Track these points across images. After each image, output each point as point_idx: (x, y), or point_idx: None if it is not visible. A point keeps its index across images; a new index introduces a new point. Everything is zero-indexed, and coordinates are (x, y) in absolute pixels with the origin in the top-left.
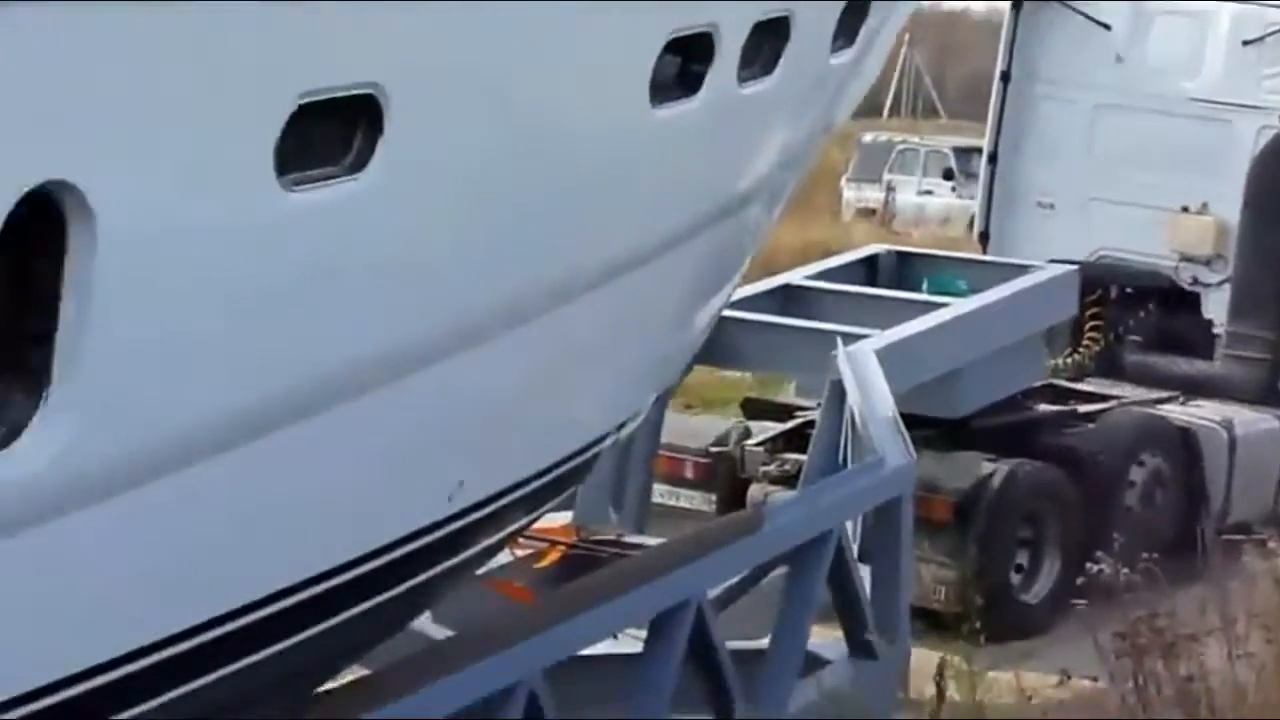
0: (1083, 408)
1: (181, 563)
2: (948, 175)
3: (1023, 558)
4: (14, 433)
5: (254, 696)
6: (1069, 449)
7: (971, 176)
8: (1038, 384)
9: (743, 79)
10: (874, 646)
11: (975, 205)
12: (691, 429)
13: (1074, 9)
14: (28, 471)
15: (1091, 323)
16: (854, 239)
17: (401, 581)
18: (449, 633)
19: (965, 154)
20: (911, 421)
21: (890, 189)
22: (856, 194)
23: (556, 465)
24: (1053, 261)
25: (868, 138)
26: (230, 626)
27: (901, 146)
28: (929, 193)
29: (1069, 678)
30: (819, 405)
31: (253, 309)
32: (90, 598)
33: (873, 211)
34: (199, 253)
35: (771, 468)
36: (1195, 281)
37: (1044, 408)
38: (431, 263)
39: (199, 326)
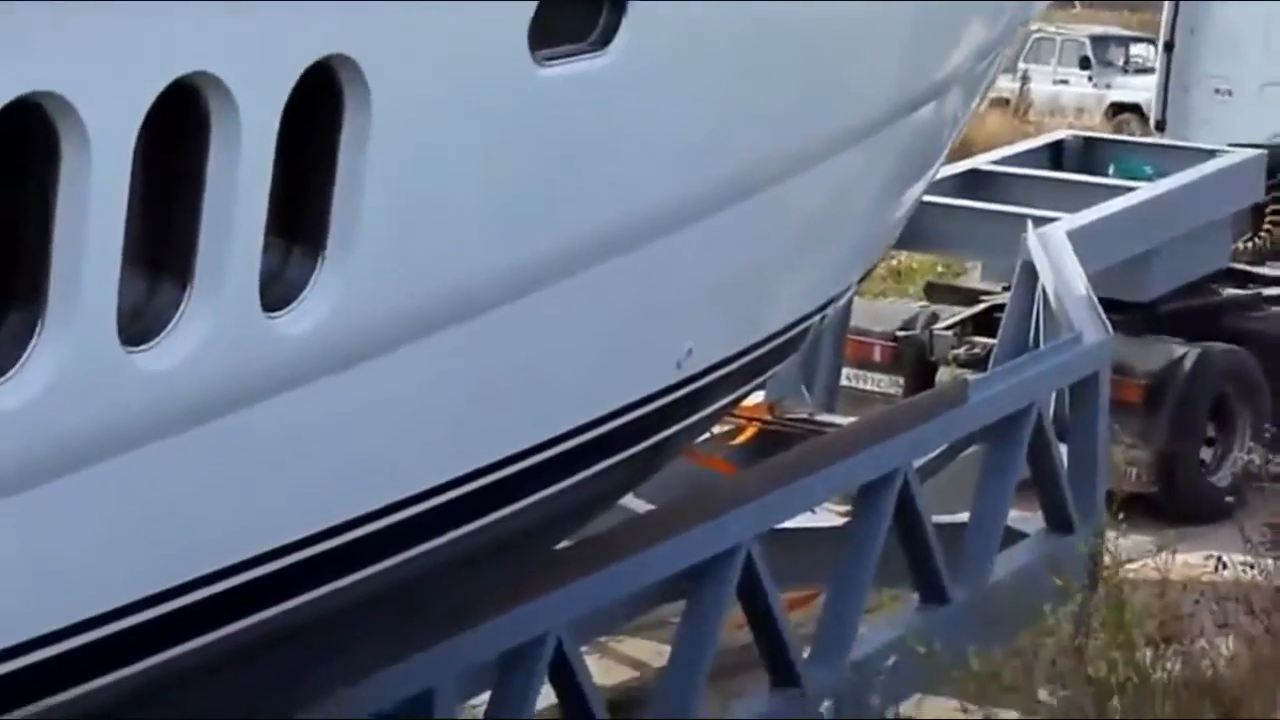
0: (1267, 291)
1: (433, 421)
2: (1084, 64)
3: (1221, 440)
4: (294, 292)
5: (483, 557)
6: (1259, 332)
7: (1108, 65)
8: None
9: None
10: (1071, 521)
11: (1112, 94)
12: (876, 313)
13: None
14: (305, 328)
15: (1272, 207)
16: (987, 129)
17: (630, 446)
18: (650, 507)
19: (1101, 43)
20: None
21: (1025, 78)
22: None
23: (774, 336)
24: (1233, 146)
25: None
26: (470, 487)
27: (1036, 35)
28: (1064, 82)
29: (1224, 565)
30: (1005, 289)
31: (506, 178)
32: (350, 451)
33: (1006, 101)
34: (459, 124)
35: (960, 351)
36: None
37: (1228, 292)
38: (668, 136)
39: (456, 195)
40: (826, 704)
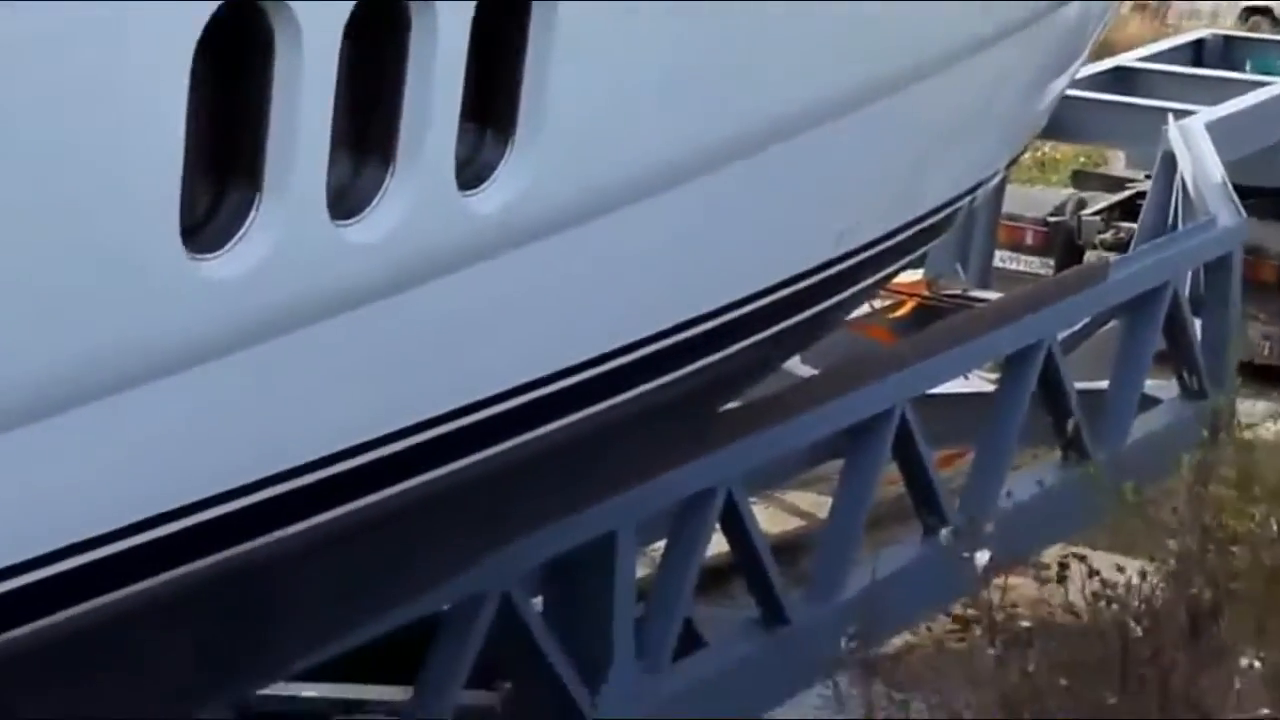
0: None
1: (613, 292)
2: None
3: None
4: (486, 173)
5: (661, 416)
6: None
7: None
8: None
9: None
10: (1204, 388)
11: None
12: (1027, 199)
13: None
14: (495, 206)
15: None
16: (1128, 32)
17: (794, 314)
18: (814, 372)
19: None
20: (1236, 191)
21: None
22: None
23: (926, 216)
24: None
25: None
26: (649, 350)
27: None
28: None
29: None
30: (1147, 177)
31: (686, 66)
32: (534, 321)
33: (1145, 6)
34: (642, 12)
35: (1107, 235)
36: None
37: None
38: (835, 32)
39: (638, 81)
40: (944, 532)
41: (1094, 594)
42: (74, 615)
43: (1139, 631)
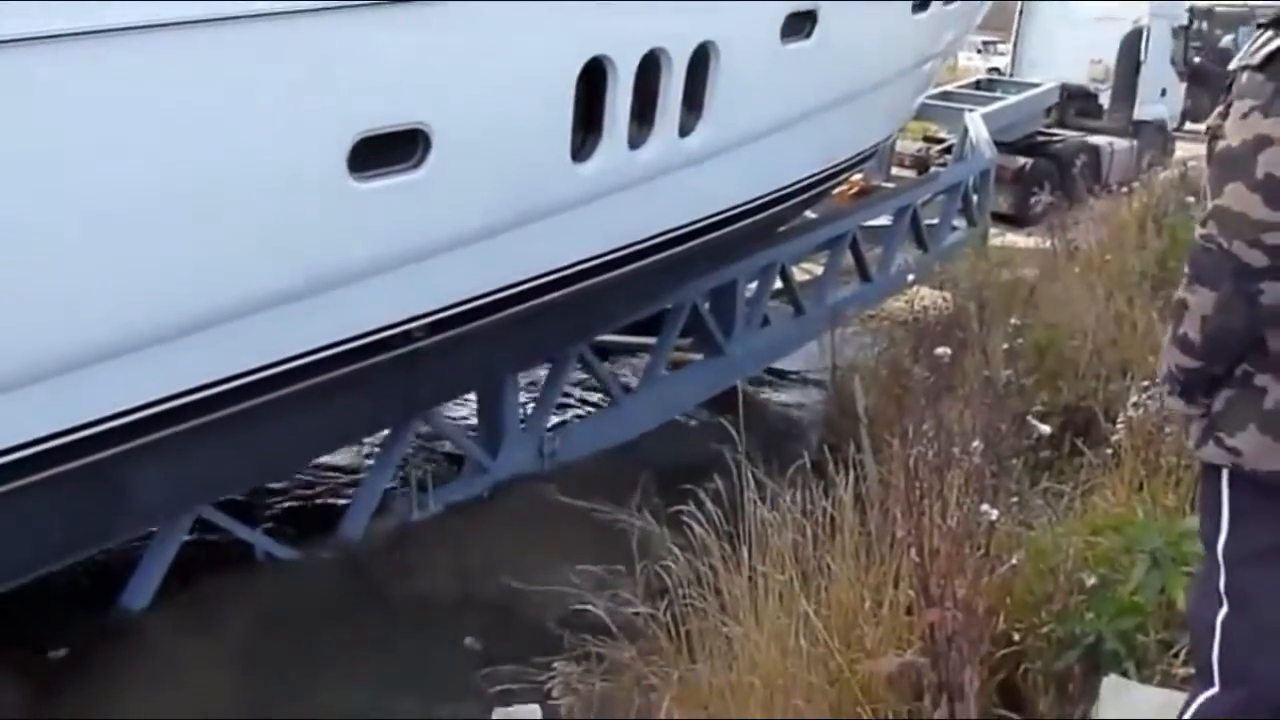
0: (1054, 136)
1: (743, 177)
2: (978, 50)
3: (1037, 194)
4: (690, 130)
5: (759, 231)
6: (1055, 153)
7: (988, 49)
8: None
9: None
10: (976, 222)
11: (997, 62)
12: (904, 146)
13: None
14: (697, 145)
15: (1057, 104)
16: (942, 76)
17: (818, 187)
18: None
19: (987, 43)
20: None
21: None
22: None
23: (871, 147)
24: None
25: None
26: (753, 205)
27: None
28: (970, 58)
29: (1029, 237)
30: (955, 137)
31: (793, 93)
32: (719, 182)
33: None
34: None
35: (941, 160)
36: (1097, 89)
37: (1040, 137)
38: (863, 70)
39: (770, 96)
40: (895, 267)
41: (945, 299)
42: None
43: (964, 312)
